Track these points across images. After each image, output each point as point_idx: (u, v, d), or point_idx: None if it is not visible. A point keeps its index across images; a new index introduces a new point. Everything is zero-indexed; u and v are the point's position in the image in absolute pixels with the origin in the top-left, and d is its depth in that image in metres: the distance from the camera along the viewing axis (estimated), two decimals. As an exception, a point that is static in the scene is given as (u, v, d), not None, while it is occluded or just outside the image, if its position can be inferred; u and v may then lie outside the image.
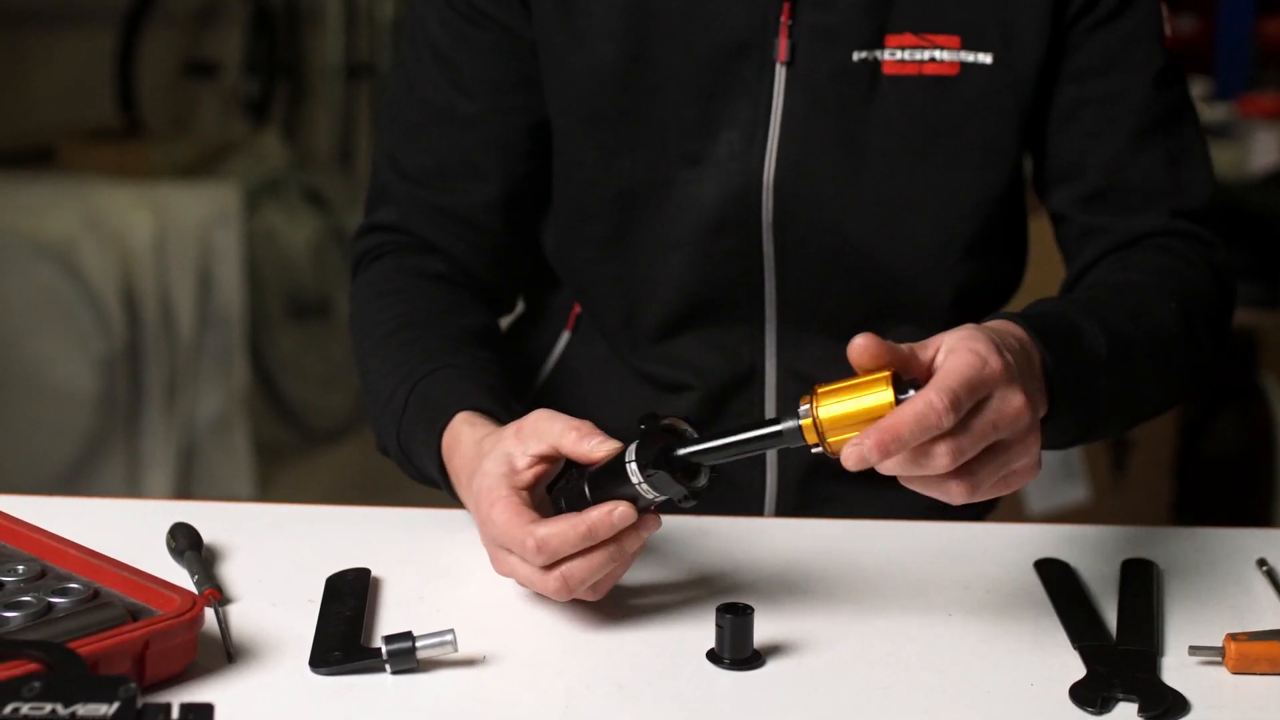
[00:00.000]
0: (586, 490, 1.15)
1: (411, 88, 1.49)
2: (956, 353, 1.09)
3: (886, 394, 1.08)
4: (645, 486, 1.12)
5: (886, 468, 1.08)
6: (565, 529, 1.13)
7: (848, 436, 1.08)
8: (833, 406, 1.08)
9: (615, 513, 1.13)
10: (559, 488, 1.19)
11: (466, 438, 1.26)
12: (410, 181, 1.48)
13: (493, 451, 1.20)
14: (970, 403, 1.08)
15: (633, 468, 1.12)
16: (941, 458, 1.07)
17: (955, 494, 1.10)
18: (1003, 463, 1.11)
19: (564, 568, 1.14)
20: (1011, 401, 1.10)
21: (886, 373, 1.09)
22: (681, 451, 1.13)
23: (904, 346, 1.10)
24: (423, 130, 1.48)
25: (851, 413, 1.08)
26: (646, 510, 1.15)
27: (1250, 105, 5.01)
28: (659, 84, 1.41)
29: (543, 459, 1.18)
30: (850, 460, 1.07)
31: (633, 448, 1.13)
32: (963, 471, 1.09)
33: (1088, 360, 1.24)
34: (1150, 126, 1.44)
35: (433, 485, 1.33)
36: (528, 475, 1.18)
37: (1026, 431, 1.11)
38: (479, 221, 1.49)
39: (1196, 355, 1.39)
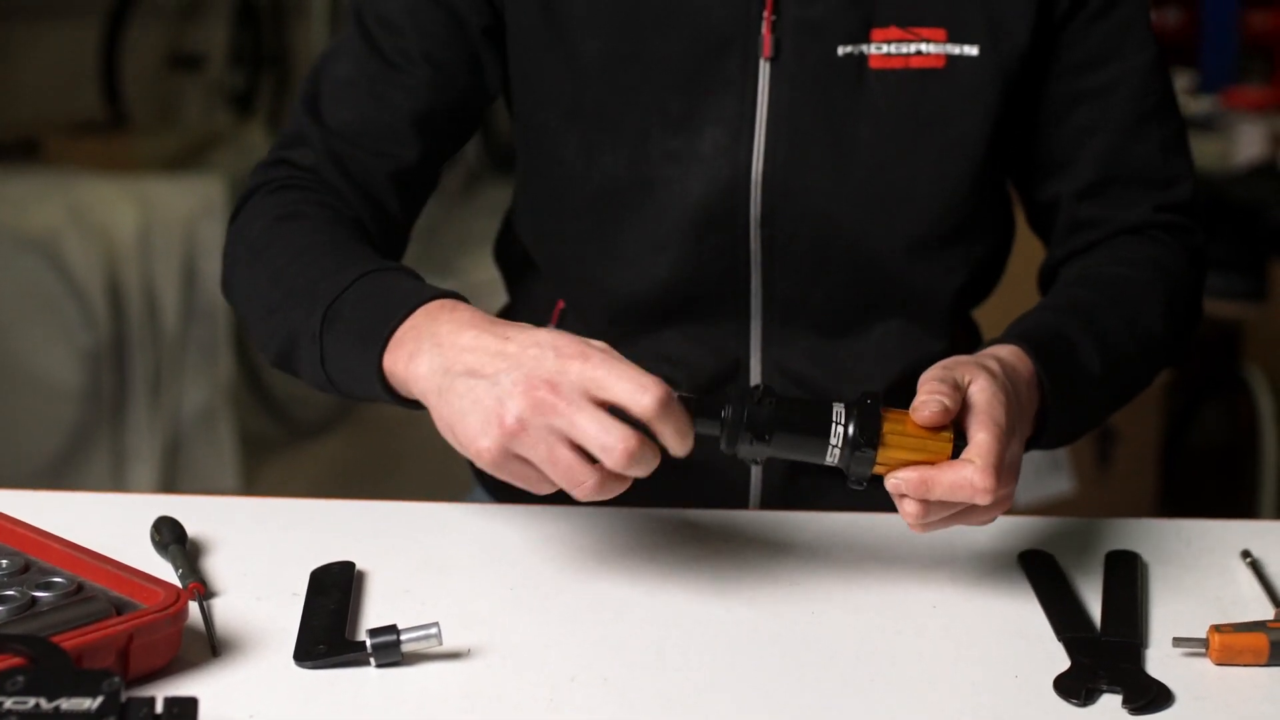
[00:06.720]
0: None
1: (350, 47, 1.46)
2: (985, 425, 1.17)
3: (947, 451, 1.17)
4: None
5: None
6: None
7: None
8: (896, 452, 1.16)
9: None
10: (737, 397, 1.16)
11: (470, 309, 1.20)
12: (330, 134, 1.45)
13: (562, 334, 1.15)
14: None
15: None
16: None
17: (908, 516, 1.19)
18: (964, 516, 1.20)
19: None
20: (1008, 488, 1.19)
21: (950, 434, 1.17)
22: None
23: (949, 379, 1.18)
24: (352, 87, 1.45)
25: (909, 460, 1.17)
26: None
27: (1235, 98, 5.02)
28: (641, 80, 1.40)
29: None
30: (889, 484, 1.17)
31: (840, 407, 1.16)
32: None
33: (1083, 380, 1.33)
34: (1144, 115, 1.46)
35: (345, 366, 1.26)
36: None
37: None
38: (381, 189, 1.45)
39: (1174, 348, 1.47)
